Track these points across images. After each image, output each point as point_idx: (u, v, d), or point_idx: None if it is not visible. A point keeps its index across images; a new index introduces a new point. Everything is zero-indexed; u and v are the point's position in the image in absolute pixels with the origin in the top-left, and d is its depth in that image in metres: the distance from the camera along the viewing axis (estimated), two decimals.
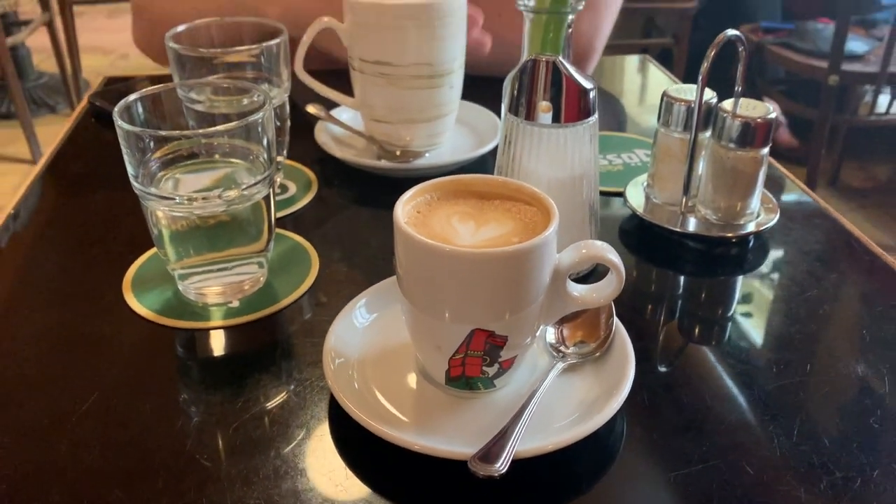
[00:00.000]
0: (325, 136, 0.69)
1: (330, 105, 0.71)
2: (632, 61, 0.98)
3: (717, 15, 2.59)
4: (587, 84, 0.47)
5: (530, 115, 0.47)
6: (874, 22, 2.33)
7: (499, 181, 0.41)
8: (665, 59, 2.76)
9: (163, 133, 0.44)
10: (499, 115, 0.71)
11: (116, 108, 0.44)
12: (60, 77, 2.83)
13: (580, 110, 0.47)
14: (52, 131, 2.77)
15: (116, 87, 0.81)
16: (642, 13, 2.72)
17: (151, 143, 0.44)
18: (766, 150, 0.53)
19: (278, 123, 0.61)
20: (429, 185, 0.41)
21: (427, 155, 0.65)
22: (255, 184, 0.46)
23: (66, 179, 0.68)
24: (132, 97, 0.46)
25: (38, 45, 2.91)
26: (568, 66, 0.47)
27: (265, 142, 0.46)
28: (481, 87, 0.72)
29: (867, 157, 2.62)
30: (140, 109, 0.46)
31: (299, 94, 0.70)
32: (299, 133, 0.66)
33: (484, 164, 0.67)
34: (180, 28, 0.59)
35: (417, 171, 0.64)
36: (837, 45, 1.97)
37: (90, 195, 0.64)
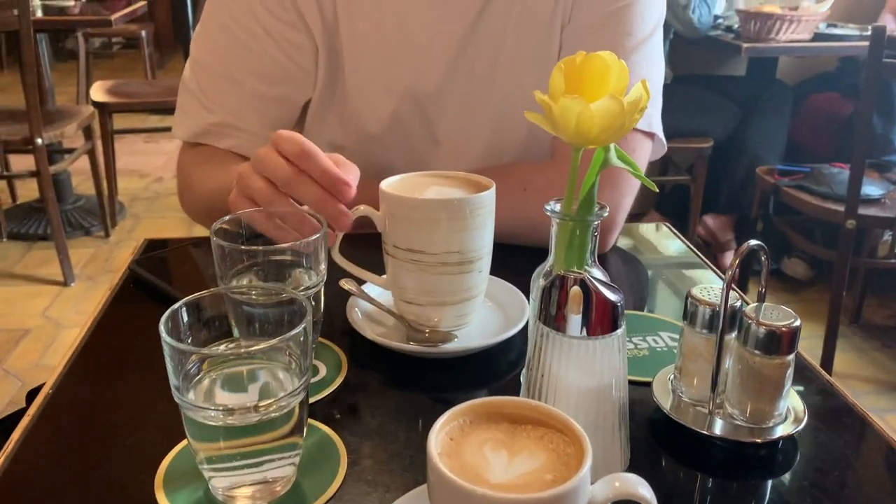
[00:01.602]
0: (357, 311, 0.71)
1: (362, 279, 0.73)
2: (649, 229, 1.01)
3: (727, 154, 2.67)
4: (615, 297, 0.49)
5: (560, 327, 0.49)
6: (888, 165, 2.39)
7: (530, 405, 0.42)
8: (681, 195, 2.83)
9: (205, 352, 0.46)
10: (523, 291, 0.73)
11: (162, 323, 0.46)
12: (97, 200, 2.95)
13: (609, 323, 0.48)
14: (86, 253, 2.86)
15: (156, 253, 0.84)
16: None
17: (192, 353, 0.46)
18: (791, 356, 0.54)
19: (313, 303, 0.63)
20: (462, 409, 0.41)
21: (457, 338, 0.66)
22: (291, 394, 0.47)
23: (104, 356, 0.69)
24: (177, 306, 0.48)
25: (78, 167, 3.05)
26: (595, 280, 0.48)
27: (302, 350, 0.47)
28: (507, 261, 0.74)
29: (888, 295, 2.61)
30: (184, 316, 0.49)
31: (332, 265, 0.72)
32: (332, 304, 0.68)
33: (512, 345, 0.68)
34: (225, 219, 0.62)
35: (446, 354, 0.65)
36: (853, 190, 2.01)
37: (127, 374, 0.65)
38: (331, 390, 0.62)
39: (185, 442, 0.54)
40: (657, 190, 0.56)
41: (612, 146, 0.52)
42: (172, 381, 0.46)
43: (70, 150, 2.86)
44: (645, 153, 0.88)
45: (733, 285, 0.54)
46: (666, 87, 0.92)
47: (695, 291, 0.57)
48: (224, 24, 0.90)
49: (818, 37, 2.58)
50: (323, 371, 0.64)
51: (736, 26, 2.65)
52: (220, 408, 0.46)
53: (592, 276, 0.48)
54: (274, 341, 0.45)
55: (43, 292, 2.59)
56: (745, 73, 3.01)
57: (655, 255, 0.95)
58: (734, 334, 0.56)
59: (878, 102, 2.30)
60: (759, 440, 0.55)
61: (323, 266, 0.63)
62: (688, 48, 2.77)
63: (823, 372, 0.66)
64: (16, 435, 0.56)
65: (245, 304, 0.55)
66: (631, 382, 0.63)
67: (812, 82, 2.97)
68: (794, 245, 2.62)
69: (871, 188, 2.13)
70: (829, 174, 2.23)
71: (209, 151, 0.92)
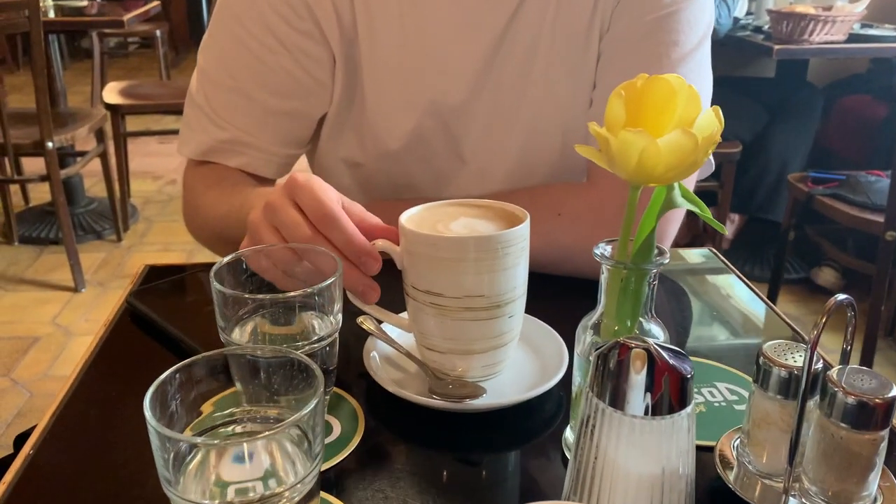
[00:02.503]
0: (374, 356, 0.63)
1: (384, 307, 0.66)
2: (696, 255, 0.93)
3: (758, 154, 2.57)
4: (685, 369, 0.41)
5: (619, 405, 0.41)
6: None
7: None
8: (709, 200, 2.73)
9: (199, 441, 0.39)
10: (561, 331, 0.65)
11: (147, 400, 0.38)
12: (109, 203, 2.90)
13: (678, 399, 0.41)
14: (97, 258, 2.81)
15: (156, 285, 0.77)
16: None
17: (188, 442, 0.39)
18: (886, 431, 0.46)
19: (327, 349, 0.56)
20: None
21: (485, 392, 0.59)
22: (299, 482, 0.40)
23: (96, 399, 0.62)
24: (169, 373, 0.41)
25: (90, 169, 3.00)
26: (662, 350, 0.41)
27: (311, 434, 0.40)
28: (540, 294, 0.66)
29: None
30: (176, 383, 0.41)
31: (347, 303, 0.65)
32: (348, 341, 0.61)
33: (549, 397, 0.60)
34: (225, 260, 0.55)
35: (472, 409, 0.57)
36: (893, 199, 1.91)
37: (116, 435, 0.58)
38: (345, 454, 0.54)
39: None
40: (726, 232, 0.48)
41: (676, 185, 0.45)
42: (161, 472, 0.38)
43: (82, 153, 2.81)
44: (695, 178, 0.80)
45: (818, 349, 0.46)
46: None
47: (767, 350, 0.50)
48: (234, 32, 0.82)
49: (852, 38, 2.47)
50: (337, 430, 0.57)
51: (766, 27, 2.55)
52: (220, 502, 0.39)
53: (657, 344, 0.41)
54: (279, 427, 0.38)
55: (53, 298, 2.54)
56: (774, 75, 2.91)
57: (702, 287, 0.87)
58: (814, 399, 0.48)
59: None
60: None
61: (338, 309, 0.56)
62: (715, 48, 2.67)
63: None
64: (7, 478, 0.50)
65: (249, 357, 0.47)
66: None
67: (842, 84, 2.86)
68: (825, 254, 2.52)
69: None
70: (867, 182, 2.13)
71: (218, 171, 0.85)
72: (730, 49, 2.66)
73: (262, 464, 0.42)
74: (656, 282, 0.49)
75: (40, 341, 2.31)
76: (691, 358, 0.67)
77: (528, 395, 0.58)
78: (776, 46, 2.36)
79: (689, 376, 0.41)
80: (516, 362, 0.64)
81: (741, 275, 0.86)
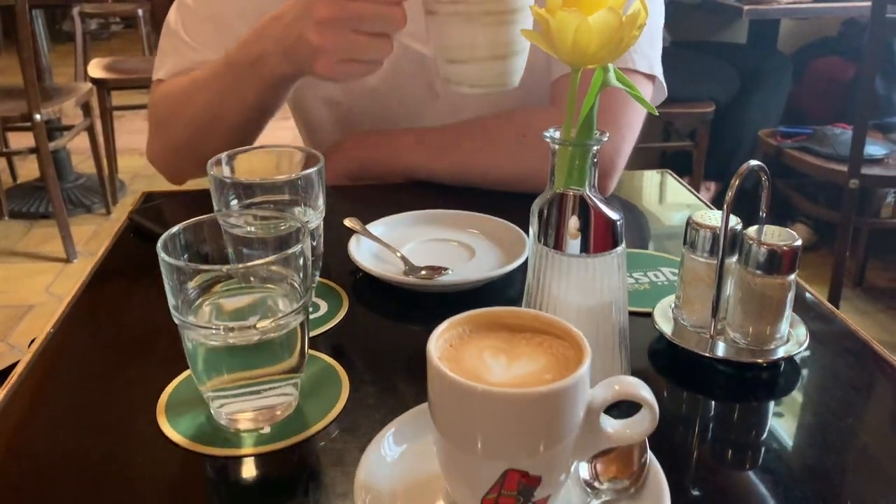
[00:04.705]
0: (357, 249, 0.70)
1: (365, 217, 0.73)
2: (653, 177, 1.00)
3: (730, 119, 2.65)
4: (614, 215, 0.48)
5: (559, 246, 0.48)
6: (891, 126, 2.37)
7: (530, 314, 0.42)
8: (684, 161, 2.81)
9: (204, 267, 0.46)
10: (525, 230, 0.72)
11: (160, 243, 0.45)
12: (97, 178, 2.94)
13: (608, 241, 0.48)
14: (88, 230, 2.86)
15: (155, 204, 0.84)
16: (661, 117, 2.79)
17: (192, 272, 0.46)
18: (793, 276, 0.54)
19: (313, 243, 0.63)
20: (461, 318, 0.41)
21: (451, 272, 0.66)
22: (290, 313, 0.47)
23: (105, 297, 0.69)
24: (175, 230, 0.48)
25: (77, 146, 3.04)
26: (595, 198, 0.48)
27: (301, 273, 0.47)
28: (509, 202, 0.74)
29: (892, 258, 2.60)
30: (182, 240, 0.48)
31: (330, 202, 0.72)
32: (330, 248, 0.68)
33: (512, 280, 0.68)
34: (222, 156, 0.62)
35: (446, 287, 0.65)
36: (856, 149, 1.99)
37: (128, 313, 0.66)
38: (332, 324, 0.62)
39: (185, 373, 0.55)
40: (657, 114, 0.55)
41: (611, 67, 0.52)
42: (171, 301, 0.46)
43: (69, 128, 2.85)
44: (646, 95, 0.87)
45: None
46: (665, 51, 0.90)
47: (695, 217, 0.57)
48: None
49: None
50: (324, 308, 0.64)
51: None
52: (221, 326, 0.46)
53: (590, 193, 0.48)
54: (272, 258, 0.45)
55: (46, 269, 2.59)
56: (746, 41, 2.98)
57: (658, 203, 0.95)
58: (735, 258, 0.56)
59: (881, 64, 2.28)
60: (760, 360, 0.55)
61: (321, 202, 0.62)
62: (688, 12, 2.75)
63: (825, 301, 0.66)
64: (18, 369, 0.56)
65: (244, 237, 0.54)
66: (632, 314, 0.62)
67: (813, 47, 2.94)
68: (797, 209, 2.60)
69: (874, 148, 2.12)
70: (833, 135, 2.21)
71: (195, 72, 0.87)
72: (702, 11, 2.73)
73: (256, 310, 0.49)
74: (597, 160, 0.56)
75: (35, 309, 2.36)
76: (641, 251, 0.75)
77: (493, 274, 0.66)
78: (746, 7, 2.43)
79: (618, 220, 0.48)
80: (483, 252, 0.71)
81: (694, 191, 0.93)
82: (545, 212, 0.49)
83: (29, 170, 3.14)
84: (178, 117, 0.88)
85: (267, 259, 0.45)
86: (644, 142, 2.87)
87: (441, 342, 0.40)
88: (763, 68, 2.70)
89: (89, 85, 2.87)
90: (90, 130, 2.83)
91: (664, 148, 2.89)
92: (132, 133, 3.88)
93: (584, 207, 0.48)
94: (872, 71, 1.98)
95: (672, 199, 0.95)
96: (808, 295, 0.67)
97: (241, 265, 0.48)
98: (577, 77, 0.53)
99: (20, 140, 2.82)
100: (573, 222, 0.48)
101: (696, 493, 0.44)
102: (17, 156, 3.08)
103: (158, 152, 0.94)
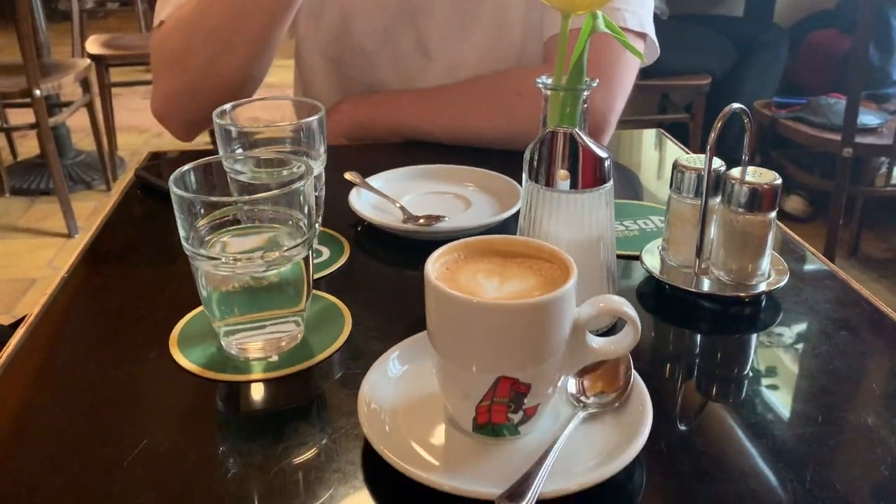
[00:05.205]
0: (357, 199, 0.73)
1: (365, 174, 0.76)
2: (648, 135, 1.03)
3: (726, 91, 2.67)
4: (602, 153, 0.51)
5: (550, 182, 0.51)
6: (886, 96, 2.39)
7: (520, 241, 0.45)
8: (681, 134, 2.83)
9: (213, 199, 0.49)
10: (520, 183, 0.75)
11: (172, 177, 0.48)
12: (97, 155, 2.96)
13: (596, 177, 0.51)
14: (88, 206, 2.88)
15: (160, 161, 0.86)
16: (658, 90, 2.81)
17: (202, 210, 0.49)
18: (773, 214, 0.57)
19: (316, 193, 0.66)
20: (456, 244, 0.44)
21: (448, 219, 0.69)
22: (295, 246, 0.49)
23: (115, 248, 0.72)
24: (186, 167, 0.50)
25: (76, 124, 3.05)
26: (584, 136, 0.51)
27: (305, 209, 0.50)
28: (504, 158, 0.77)
29: (886, 228, 2.63)
30: (192, 178, 0.51)
31: (330, 161, 0.74)
32: (331, 203, 0.71)
33: (506, 228, 0.70)
34: (227, 106, 0.64)
35: (443, 234, 0.67)
36: (850, 118, 2.02)
37: (137, 263, 0.68)
38: (334, 268, 0.64)
39: (197, 310, 0.57)
40: (644, 60, 0.57)
41: (600, 13, 0.54)
42: (182, 233, 0.48)
43: (68, 104, 2.86)
44: (644, 57, 0.89)
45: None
46: (662, 24, 0.92)
47: (681, 160, 0.60)
48: None
49: None
50: (327, 253, 0.67)
51: None
52: (230, 256, 0.48)
53: (580, 132, 0.51)
54: (278, 191, 0.47)
55: (48, 244, 2.62)
56: (743, 14, 2.99)
57: (652, 162, 0.97)
58: (718, 199, 0.58)
59: (876, 35, 2.30)
60: (742, 294, 0.57)
61: (322, 151, 0.65)
62: None
63: (805, 243, 0.69)
64: (35, 310, 0.59)
65: (248, 184, 0.57)
66: (621, 257, 0.65)
67: (810, 20, 2.94)
68: (792, 181, 2.63)
69: (868, 118, 2.14)
70: (827, 105, 2.23)
71: None
72: None
73: (264, 241, 0.52)
74: (587, 104, 0.59)
75: (38, 282, 2.39)
76: (631, 201, 0.77)
77: (489, 220, 0.68)
78: None
79: (606, 158, 0.51)
80: (479, 202, 0.74)
81: (685, 147, 0.95)
82: (536, 151, 0.52)
83: (29, 147, 3.16)
84: (193, 40, 0.84)
85: (273, 192, 0.48)
86: (640, 114, 2.90)
87: (438, 265, 0.42)
88: (759, 41, 2.71)
89: (87, 61, 2.87)
90: (89, 107, 2.84)
91: (661, 120, 2.90)
92: (131, 111, 3.89)
93: (573, 145, 0.50)
94: (866, 40, 1.99)
95: (667, 157, 0.97)
96: (788, 236, 0.69)
97: (248, 197, 0.50)
98: (567, 24, 0.55)
99: (20, 116, 2.83)
100: (563, 159, 0.50)
101: (678, 411, 0.47)
102: (17, 132, 3.09)
103: (170, 95, 0.90)
